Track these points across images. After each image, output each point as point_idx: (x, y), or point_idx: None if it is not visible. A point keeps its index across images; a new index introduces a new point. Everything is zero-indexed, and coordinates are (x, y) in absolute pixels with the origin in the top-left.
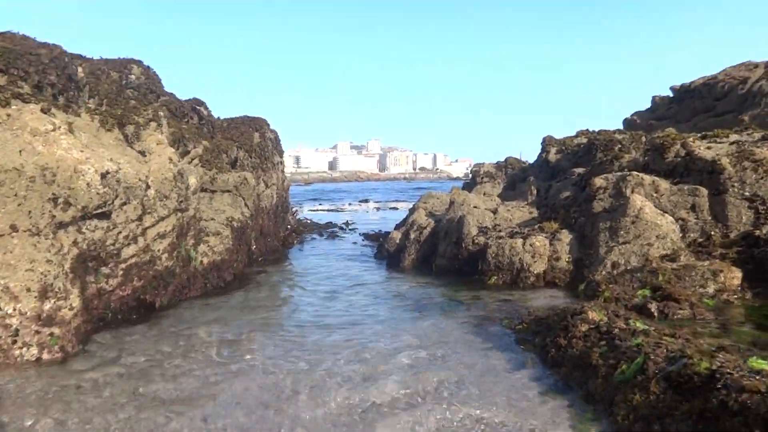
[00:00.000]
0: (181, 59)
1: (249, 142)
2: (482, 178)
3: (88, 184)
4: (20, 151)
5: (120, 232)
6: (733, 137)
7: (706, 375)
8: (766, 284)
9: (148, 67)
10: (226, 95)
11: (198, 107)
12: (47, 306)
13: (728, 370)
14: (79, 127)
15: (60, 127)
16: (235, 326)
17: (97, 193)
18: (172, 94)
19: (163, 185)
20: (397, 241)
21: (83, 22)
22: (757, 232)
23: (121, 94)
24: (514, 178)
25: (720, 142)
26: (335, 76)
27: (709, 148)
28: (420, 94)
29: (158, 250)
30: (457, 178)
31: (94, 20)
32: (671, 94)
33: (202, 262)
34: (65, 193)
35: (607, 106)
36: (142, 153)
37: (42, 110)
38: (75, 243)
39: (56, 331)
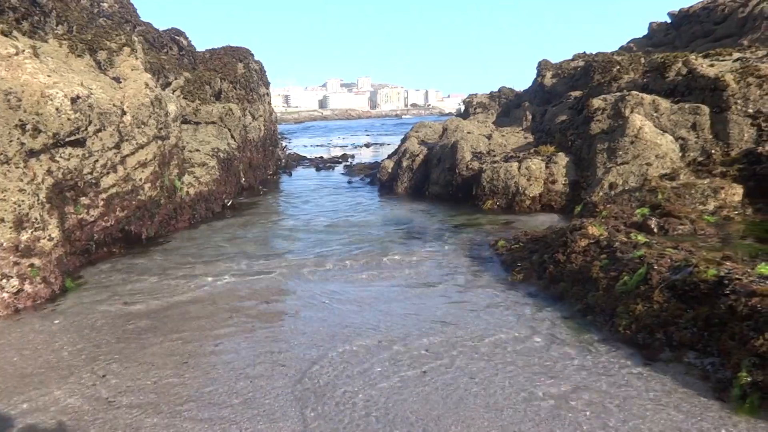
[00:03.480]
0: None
1: (233, 73)
2: (475, 109)
3: (57, 109)
4: None
5: (97, 161)
6: (737, 55)
7: (713, 282)
8: None
9: None
10: (210, 33)
11: (177, 37)
12: (24, 237)
13: (737, 276)
14: (46, 53)
15: (24, 50)
16: (221, 253)
17: (68, 119)
18: (149, 23)
19: (140, 111)
20: (390, 170)
21: None
22: (760, 149)
23: (92, 22)
24: (509, 105)
25: (723, 60)
26: (324, 11)
27: (712, 65)
28: (411, 29)
29: (140, 180)
30: (450, 114)
31: None
32: (669, 20)
33: (188, 192)
34: (33, 119)
35: (602, 38)
36: (117, 80)
37: (2, 33)
38: (49, 172)
39: (36, 262)
